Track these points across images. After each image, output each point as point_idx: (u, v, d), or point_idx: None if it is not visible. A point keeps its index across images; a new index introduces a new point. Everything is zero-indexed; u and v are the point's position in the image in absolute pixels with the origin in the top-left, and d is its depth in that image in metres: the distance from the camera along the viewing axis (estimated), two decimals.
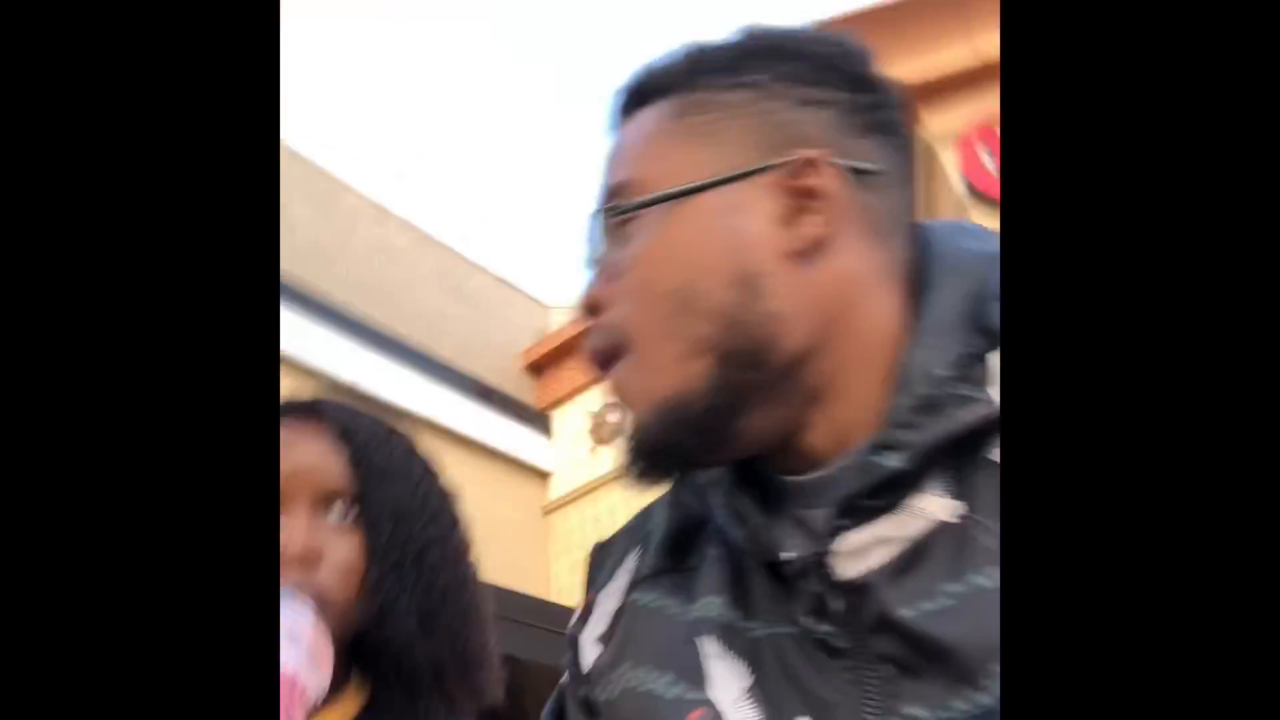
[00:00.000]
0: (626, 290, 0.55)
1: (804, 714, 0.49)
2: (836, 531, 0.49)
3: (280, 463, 0.87)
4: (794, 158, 0.54)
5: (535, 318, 9.01)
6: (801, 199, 0.54)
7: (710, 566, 0.57)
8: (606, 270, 0.57)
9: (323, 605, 0.83)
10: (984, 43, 3.90)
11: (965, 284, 0.53)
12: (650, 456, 0.54)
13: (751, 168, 0.54)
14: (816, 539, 0.51)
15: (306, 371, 6.14)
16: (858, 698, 0.47)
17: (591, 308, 0.57)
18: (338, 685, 0.85)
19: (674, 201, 0.55)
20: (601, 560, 0.65)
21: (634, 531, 0.65)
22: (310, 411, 0.96)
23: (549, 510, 8.10)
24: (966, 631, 0.44)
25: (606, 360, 0.56)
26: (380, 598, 0.89)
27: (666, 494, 0.64)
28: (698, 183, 0.55)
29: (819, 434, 0.53)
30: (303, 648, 0.76)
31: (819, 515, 0.51)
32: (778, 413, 0.53)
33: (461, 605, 0.95)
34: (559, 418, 8.48)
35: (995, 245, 0.54)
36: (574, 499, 8.06)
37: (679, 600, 0.57)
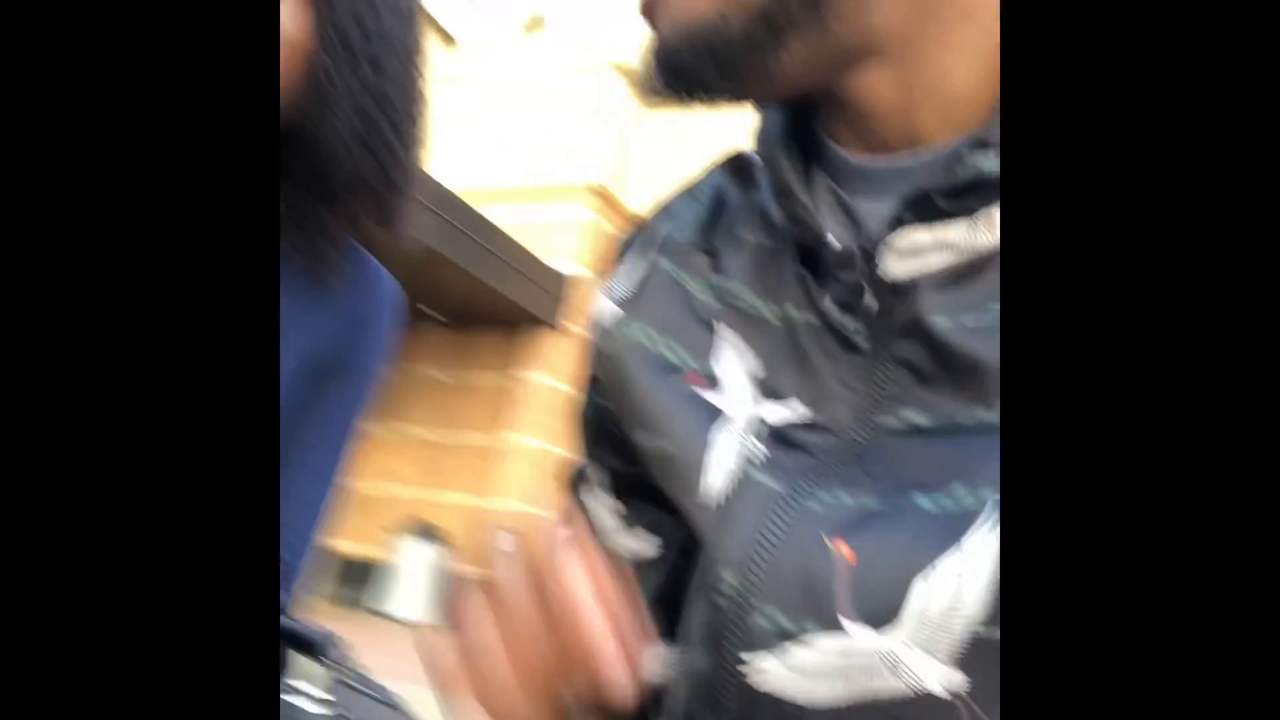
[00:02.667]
0: None
1: (796, 396, 0.48)
2: (898, 225, 0.45)
3: None
4: None
5: None
6: None
7: (740, 250, 0.53)
8: None
9: None
10: None
11: None
12: (669, 81, 0.48)
13: None
14: (871, 230, 0.47)
15: None
16: (862, 394, 0.46)
17: None
18: None
19: None
20: (632, 239, 0.61)
21: (669, 210, 0.60)
22: None
23: None
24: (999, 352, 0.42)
25: None
26: (323, 89, 0.75)
27: (709, 174, 0.59)
28: None
29: (882, 95, 0.46)
30: None
31: (881, 206, 0.46)
32: (825, 54, 0.46)
33: (402, 120, 0.81)
34: None
35: None
36: None
37: (700, 277, 0.54)
